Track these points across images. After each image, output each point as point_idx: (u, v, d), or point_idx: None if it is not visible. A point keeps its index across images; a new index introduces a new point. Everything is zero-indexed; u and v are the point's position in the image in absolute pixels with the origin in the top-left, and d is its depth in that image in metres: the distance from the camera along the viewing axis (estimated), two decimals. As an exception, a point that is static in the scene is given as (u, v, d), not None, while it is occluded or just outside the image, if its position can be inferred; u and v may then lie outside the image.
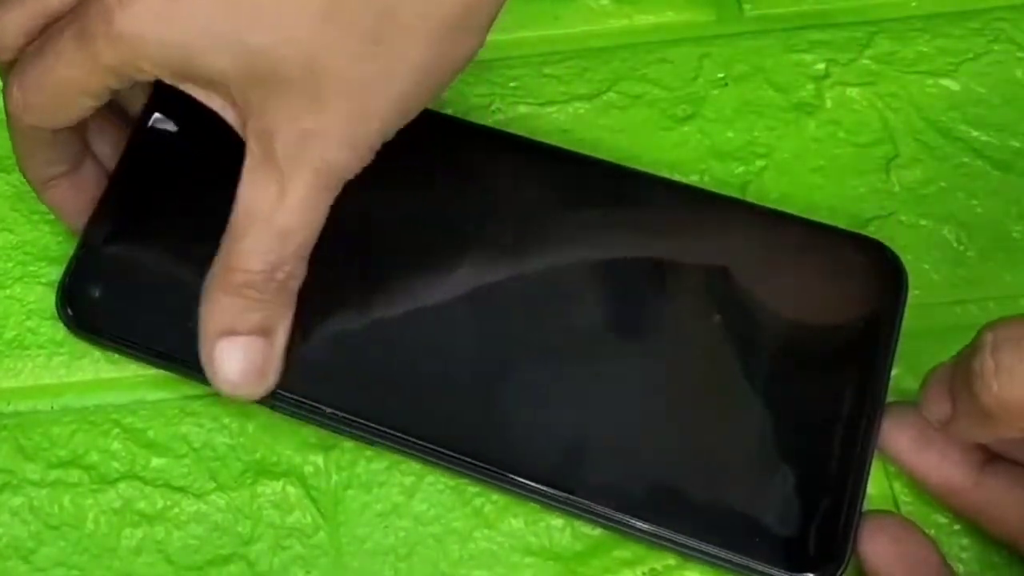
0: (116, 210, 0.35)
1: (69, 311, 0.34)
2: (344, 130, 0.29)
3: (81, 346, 0.34)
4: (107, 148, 0.35)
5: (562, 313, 0.33)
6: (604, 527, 0.31)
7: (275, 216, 0.29)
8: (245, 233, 0.29)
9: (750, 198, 0.35)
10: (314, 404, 0.32)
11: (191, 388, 0.34)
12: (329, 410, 0.32)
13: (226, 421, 0.33)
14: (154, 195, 0.35)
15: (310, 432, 0.33)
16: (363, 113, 0.29)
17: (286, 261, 0.30)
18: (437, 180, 0.35)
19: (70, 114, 0.31)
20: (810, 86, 0.37)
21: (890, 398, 0.32)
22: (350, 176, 0.29)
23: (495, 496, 0.32)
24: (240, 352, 0.31)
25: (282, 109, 0.29)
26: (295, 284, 0.30)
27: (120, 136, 0.35)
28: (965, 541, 0.31)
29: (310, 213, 0.29)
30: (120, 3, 0.28)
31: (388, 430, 0.31)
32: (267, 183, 0.29)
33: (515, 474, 0.31)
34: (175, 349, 0.33)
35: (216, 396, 0.33)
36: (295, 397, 0.32)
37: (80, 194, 0.34)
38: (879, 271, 0.33)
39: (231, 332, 0.30)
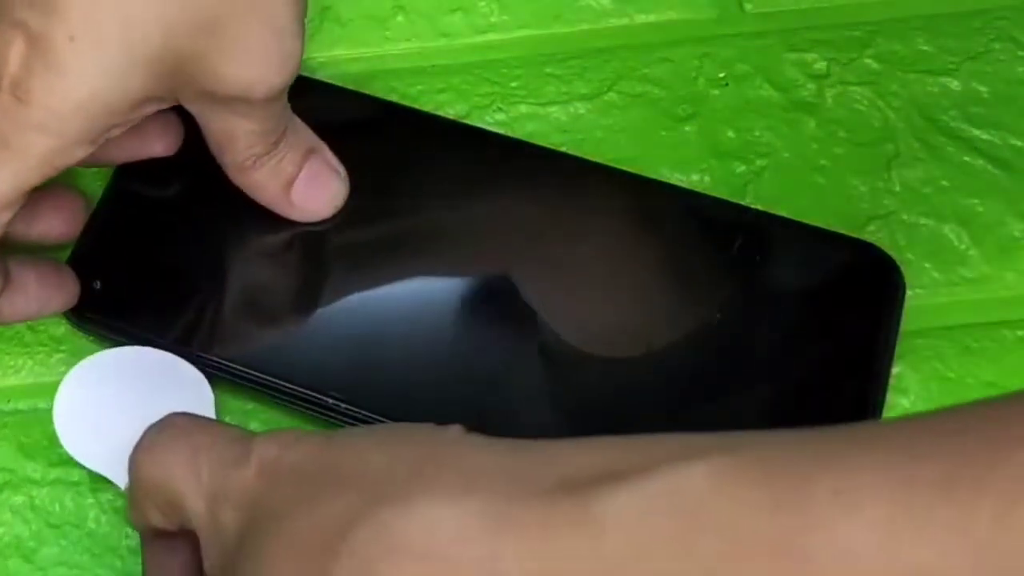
0: (117, 203, 0.35)
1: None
2: None
3: (81, 343, 0.34)
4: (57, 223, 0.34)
5: (561, 312, 0.33)
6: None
7: None
8: None
9: (750, 198, 0.35)
10: (316, 395, 0.32)
11: (192, 386, 0.34)
12: (331, 401, 0.32)
13: (227, 420, 0.33)
14: (154, 189, 0.35)
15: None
16: None
17: None
18: (437, 183, 0.35)
19: None
20: (811, 85, 0.37)
21: (890, 397, 0.32)
22: None
23: (496, 494, 0.32)
24: None
25: None
26: None
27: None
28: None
29: None
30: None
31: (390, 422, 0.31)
32: None
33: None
34: (175, 339, 0.33)
35: (216, 394, 0.33)
36: (297, 388, 0.32)
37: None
38: (875, 274, 0.33)
39: None
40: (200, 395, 0.32)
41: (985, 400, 0.21)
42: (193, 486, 0.27)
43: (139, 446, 0.28)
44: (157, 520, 0.28)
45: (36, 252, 0.35)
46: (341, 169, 0.34)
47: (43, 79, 0.28)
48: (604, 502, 0.21)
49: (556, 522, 0.22)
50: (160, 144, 0.34)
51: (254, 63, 0.29)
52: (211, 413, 0.32)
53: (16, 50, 0.28)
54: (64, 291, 0.33)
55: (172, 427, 0.28)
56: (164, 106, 0.30)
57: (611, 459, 0.22)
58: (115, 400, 0.32)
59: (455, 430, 0.25)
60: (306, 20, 0.39)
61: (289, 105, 0.32)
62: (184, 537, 0.28)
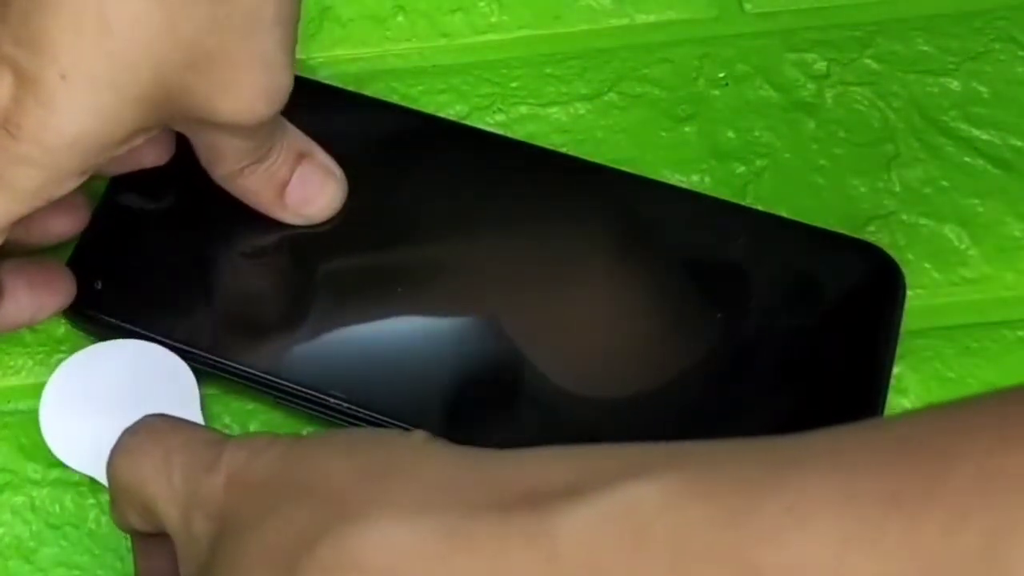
0: (119, 201, 0.35)
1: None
2: None
3: (82, 344, 0.34)
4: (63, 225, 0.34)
5: (562, 311, 0.33)
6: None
7: None
8: None
9: (750, 198, 0.35)
10: (318, 395, 0.32)
11: (192, 387, 0.34)
12: (333, 401, 0.32)
13: (227, 420, 0.33)
14: (156, 187, 0.35)
15: (312, 431, 0.33)
16: None
17: None
18: (437, 184, 0.35)
19: None
20: (811, 85, 0.37)
21: (890, 398, 0.32)
22: None
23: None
24: None
25: None
26: None
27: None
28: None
29: None
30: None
31: (395, 422, 0.31)
32: None
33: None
34: (176, 338, 0.33)
35: (216, 394, 0.33)
36: (298, 388, 0.32)
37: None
38: (876, 274, 0.33)
39: None
40: (183, 385, 0.32)
41: (936, 407, 0.21)
42: (166, 491, 0.26)
43: (115, 448, 0.28)
44: (137, 523, 0.28)
45: (36, 250, 0.36)
46: (337, 170, 0.34)
47: (35, 116, 0.28)
48: (558, 518, 0.21)
49: (510, 538, 0.22)
50: (151, 156, 0.34)
51: (244, 96, 0.29)
52: (195, 402, 0.32)
53: (5, 85, 0.28)
54: (58, 294, 0.33)
55: (146, 429, 0.28)
56: (154, 134, 0.30)
57: (568, 473, 0.22)
58: (99, 399, 0.32)
59: (418, 437, 0.25)
60: (306, 20, 0.39)
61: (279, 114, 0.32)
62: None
